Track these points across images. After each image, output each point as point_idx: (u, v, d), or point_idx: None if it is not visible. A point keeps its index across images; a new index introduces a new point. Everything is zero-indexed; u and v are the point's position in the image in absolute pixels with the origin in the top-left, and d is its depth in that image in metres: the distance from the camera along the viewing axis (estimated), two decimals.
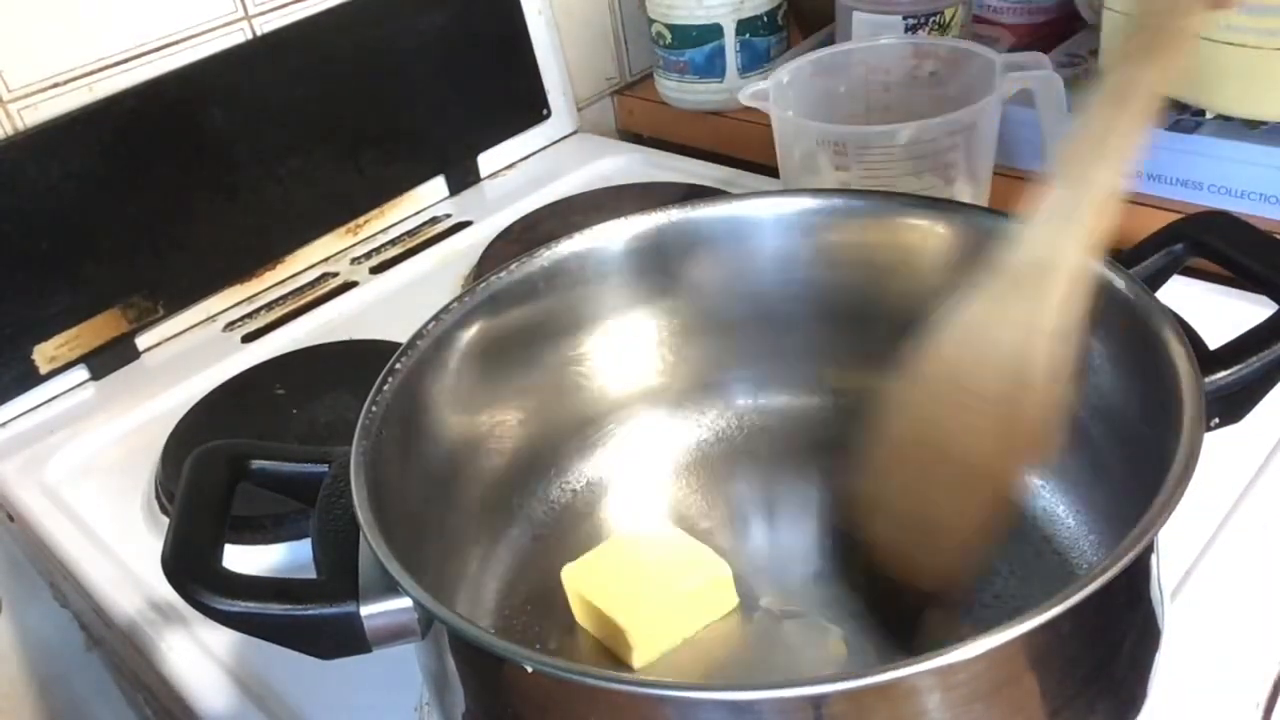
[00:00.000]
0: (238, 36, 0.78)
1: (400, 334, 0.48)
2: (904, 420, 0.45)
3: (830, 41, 0.82)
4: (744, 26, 0.90)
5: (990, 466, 0.42)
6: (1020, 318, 0.41)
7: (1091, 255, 0.41)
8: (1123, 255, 0.46)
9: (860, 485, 0.47)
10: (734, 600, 0.48)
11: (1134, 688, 0.38)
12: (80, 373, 0.75)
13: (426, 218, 0.90)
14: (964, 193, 0.66)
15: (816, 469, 0.54)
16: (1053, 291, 0.40)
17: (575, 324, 0.54)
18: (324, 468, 0.43)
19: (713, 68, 0.92)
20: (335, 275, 0.84)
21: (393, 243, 0.87)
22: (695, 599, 0.47)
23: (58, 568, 0.63)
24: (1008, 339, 0.41)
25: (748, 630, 0.47)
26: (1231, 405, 0.41)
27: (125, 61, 0.73)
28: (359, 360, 0.70)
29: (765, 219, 0.54)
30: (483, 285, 0.51)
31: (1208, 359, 0.40)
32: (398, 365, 0.46)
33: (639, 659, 0.45)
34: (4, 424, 0.72)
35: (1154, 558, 0.37)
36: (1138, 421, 0.43)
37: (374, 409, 0.43)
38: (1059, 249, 0.41)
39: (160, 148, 0.75)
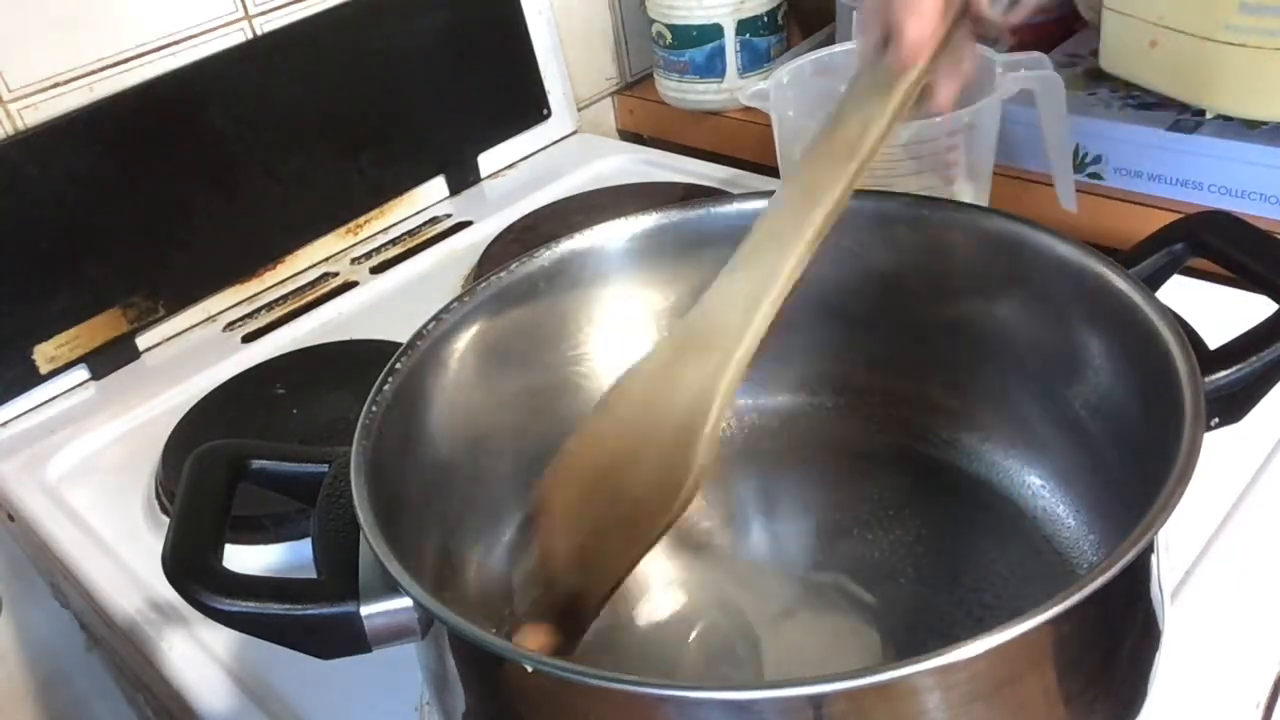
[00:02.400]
0: (238, 36, 0.78)
1: (400, 334, 0.48)
2: (587, 437, 0.47)
3: (830, 41, 0.82)
4: (744, 26, 0.90)
5: (639, 506, 0.44)
6: (688, 381, 0.44)
7: (759, 331, 0.43)
8: (1123, 255, 0.46)
9: (545, 478, 0.47)
10: None
11: (1134, 688, 0.38)
12: (80, 373, 0.75)
13: (426, 218, 0.90)
14: (964, 193, 0.66)
15: (816, 469, 0.54)
16: (719, 365, 0.43)
17: (575, 324, 0.54)
18: (324, 468, 0.43)
19: (713, 68, 0.92)
20: (335, 275, 0.84)
21: (393, 243, 0.87)
22: None
23: (58, 568, 0.63)
24: (674, 398, 0.44)
25: (748, 629, 0.47)
26: (1231, 405, 0.41)
27: (125, 61, 0.73)
28: (359, 360, 0.70)
29: None
30: (483, 285, 0.51)
31: (1208, 359, 0.40)
32: (398, 365, 0.46)
33: None
34: (4, 424, 0.72)
35: (1154, 558, 0.37)
36: (1138, 421, 0.43)
37: (374, 409, 0.43)
38: (747, 319, 0.44)
39: (160, 148, 0.75)
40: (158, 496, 0.64)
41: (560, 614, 0.43)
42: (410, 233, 0.88)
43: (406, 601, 0.36)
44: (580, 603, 0.43)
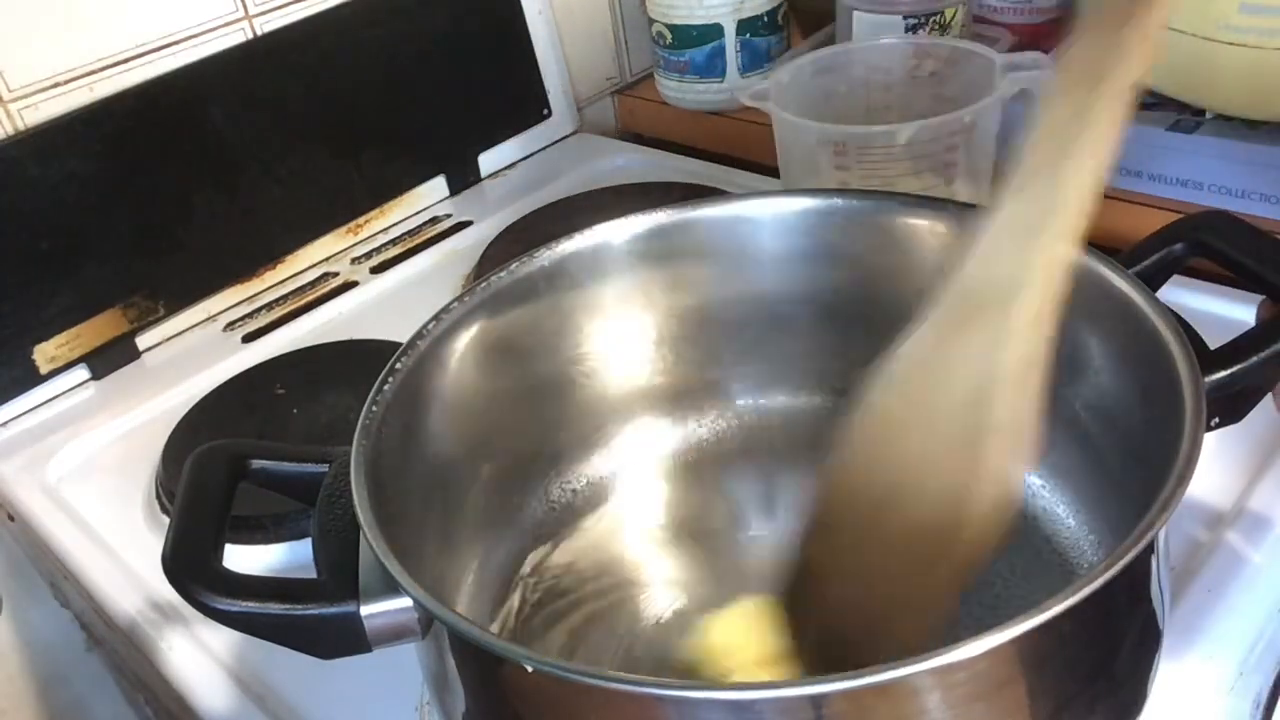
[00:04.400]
0: (238, 36, 0.78)
1: (400, 334, 0.48)
2: (852, 474, 0.39)
3: (830, 41, 0.82)
4: (744, 26, 0.90)
5: (947, 528, 0.36)
6: (979, 352, 0.35)
7: (1063, 268, 0.35)
8: (1123, 255, 0.46)
9: (806, 550, 0.40)
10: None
11: (1134, 688, 0.38)
12: (81, 372, 0.75)
13: (427, 218, 0.90)
14: (964, 193, 0.66)
15: (816, 469, 0.54)
16: (1017, 317, 0.35)
17: (575, 324, 0.54)
18: (324, 468, 0.43)
19: (713, 68, 0.92)
20: (335, 275, 0.84)
21: (393, 242, 0.87)
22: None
23: (58, 568, 0.63)
24: (964, 378, 0.36)
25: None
26: (1232, 405, 0.41)
27: (125, 61, 0.73)
28: (359, 360, 0.70)
29: (765, 219, 0.54)
30: (483, 285, 0.51)
31: (1208, 359, 0.40)
32: (398, 365, 0.46)
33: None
34: (4, 424, 0.72)
35: (1154, 558, 0.37)
36: (1138, 421, 0.43)
37: (374, 409, 0.43)
38: (1023, 265, 0.35)
39: (160, 148, 0.75)
40: (158, 496, 0.64)
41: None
42: (410, 233, 0.88)
43: (406, 601, 0.36)
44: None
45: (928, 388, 0.37)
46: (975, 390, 0.35)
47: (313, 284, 0.83)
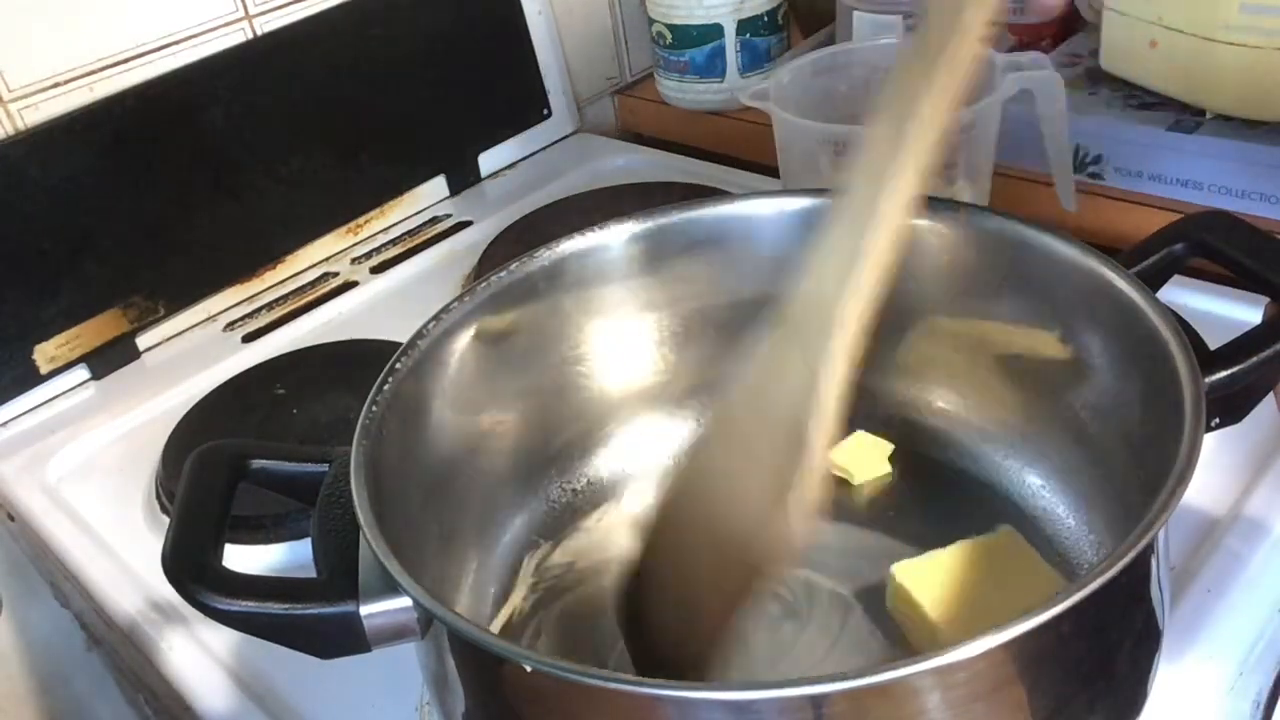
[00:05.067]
0: (238, 36, 0.78)
1: (400, 334, 0.48)
2: (688, 476, 0.41)
3: (830, 41, 0.82)
4: (744, 26, 0.90)
5: (742, 541, 0.38)
6: (793, 371, 0.37)
7: (862, 292, 0.36)
8: (1123, 255, 0.46)
9: (646, 543, 0.42)
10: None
11: (1134, 688, 0.38)
12: (81, 372, 0.75)
13: (427, 218, 0.90)
14: (964, 193, 0.66)
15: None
16: (820, 339, 0.36)
17: (575, 324, 0.54)
18: (324, 468, 0.43)
19: (713, 68, 0.92)
20: (335, 275, 0.84)
21: (393, 243, 0.87)
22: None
23: (58, 568, 0.63)
24: (780, 395, 0.37)
25: (749, 628, 0.47)
26: (1231, 405, 0.41)
27: (125, 61, 0.73)
28: (359, 360, 0.70)
29: (765, 219, 0.54)
30: (483, 285, 0.51)
31: (1208, 359, 0.40)
32: (398, 365, 0.46)
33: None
34: (4, 424, 0.72)
35: (1154, 558, 0.37)
36: (1138, 421, 0.43)
37: (374, 409, 0.43)
38: (827, 290, 0.36)
39: (160, 148, 0.75)
40: (158, 496, 0.64)
41: (655, 668, 0.40)
42: (410, 233, 0.88)
43: (406, 601, 0.36)
44: (681, 654, 0.40)
45: (751, 403, 0.39)
46: (795, 398, 0.37)
47: (313, 284, 0.83)
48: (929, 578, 0.45)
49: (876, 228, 0.36)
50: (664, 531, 0.41)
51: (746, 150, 0.90)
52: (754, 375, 0.39)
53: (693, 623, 0.40)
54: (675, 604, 0.41)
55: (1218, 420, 0.41)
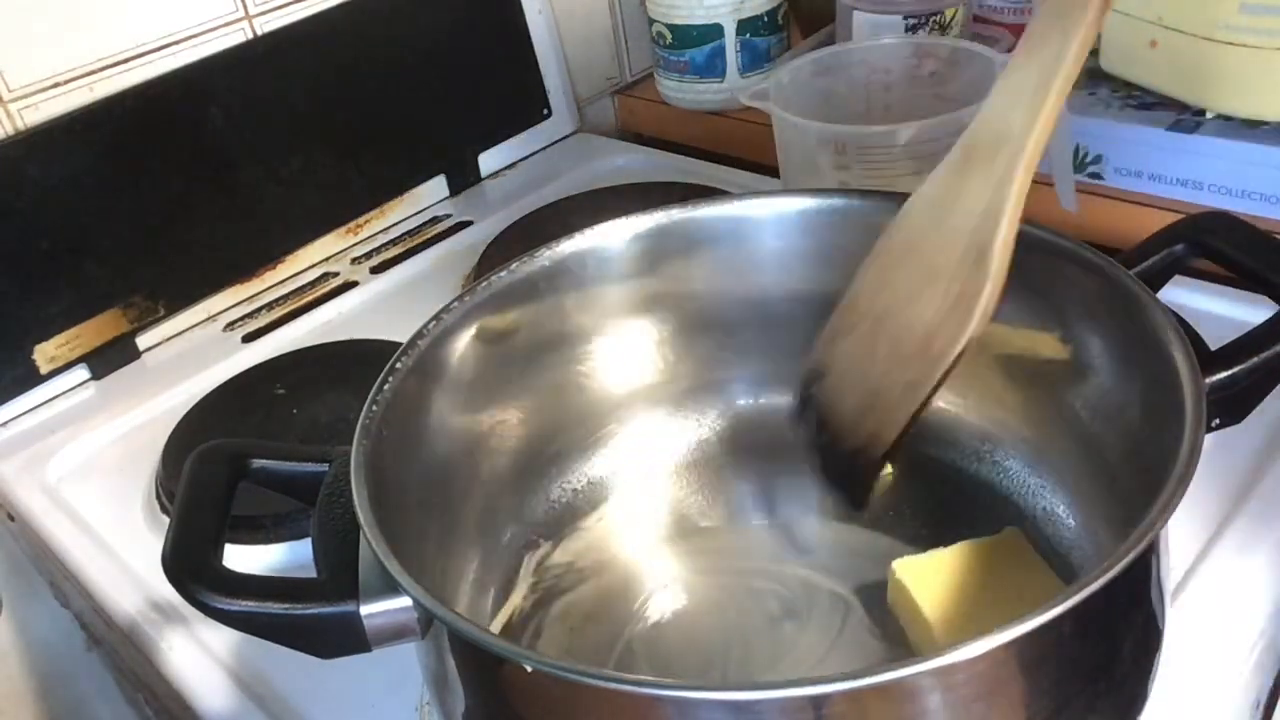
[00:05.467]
0: (238, 36, 0.78)
1: (400, 334, 0.48)
2: (864, 286, 0.47)
3: (830, 41, 0.82)
4: (744, 26, 0.90)
5: (930, 334, 0.43)
6: (975, 193, 0.42)
7: (1046, 127, 0.41)
8: (1123, 256, 0.46)
9: (819, 346, 0.48)
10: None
11: (1134, 688, 0.38)
12: (81, 372, 0.75)
13: (427, 218, 0.90)
14: None
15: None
16: (1007, 166, 0.41)
17: (576, 324, 0.54)
18: (324, 467, 0.43)
19: (713, 68, 0.92)
20: (335, 275, 0.84)
21: (393, 243, 0.87)
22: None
23: (58, 568, 0.63)
24: (961, 214, 0.42)
25: (750, 627, 0.47)
26: (1232, 405, 0.41)
27: (125, 61, 0.73)
28: (359, 360, 0.70)
29: (765, 219, 0.54)
30: (483, 285, 0.51)
31: (1208, 359, 0.40)
32: (398, 365, 0.46)
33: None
34: (4, 424, 0.72)
35: (1155, 558, 0.37)
36: (1138, 421, 0.43)
37: (374, 409, 0.43)
38: (1014, 122, 0.41)
39: (160, 148, 0.75)
40: (158, 496, 0.64)
41: (844, 473, 0.45)
42: (410, 233, 0.88)
43: (406, 601, 0.36)
44: (863, 458, 0.45)
45: (932, 219, 0.44)
46: (984, 210, 0.41)
47: (313, 284, 0.83)
48: (929, 575, 0.45)
49: (1064, 65, 0.40)
50: (845, 332, 0.47)
51: (746, 150, 0.90)
52: (934, 195, 0.44)
53: (874, 404, 0.45)
54: (859, 390, 0.46)
55: (1218, 421, 0.41)
